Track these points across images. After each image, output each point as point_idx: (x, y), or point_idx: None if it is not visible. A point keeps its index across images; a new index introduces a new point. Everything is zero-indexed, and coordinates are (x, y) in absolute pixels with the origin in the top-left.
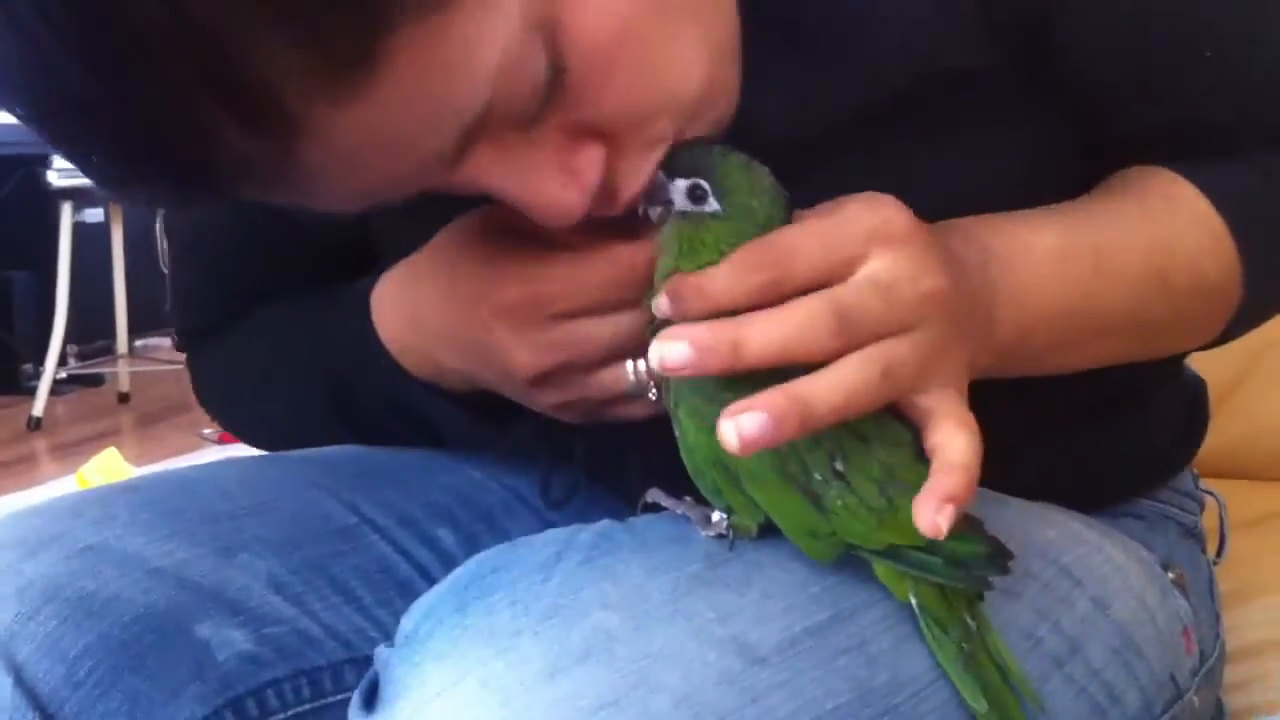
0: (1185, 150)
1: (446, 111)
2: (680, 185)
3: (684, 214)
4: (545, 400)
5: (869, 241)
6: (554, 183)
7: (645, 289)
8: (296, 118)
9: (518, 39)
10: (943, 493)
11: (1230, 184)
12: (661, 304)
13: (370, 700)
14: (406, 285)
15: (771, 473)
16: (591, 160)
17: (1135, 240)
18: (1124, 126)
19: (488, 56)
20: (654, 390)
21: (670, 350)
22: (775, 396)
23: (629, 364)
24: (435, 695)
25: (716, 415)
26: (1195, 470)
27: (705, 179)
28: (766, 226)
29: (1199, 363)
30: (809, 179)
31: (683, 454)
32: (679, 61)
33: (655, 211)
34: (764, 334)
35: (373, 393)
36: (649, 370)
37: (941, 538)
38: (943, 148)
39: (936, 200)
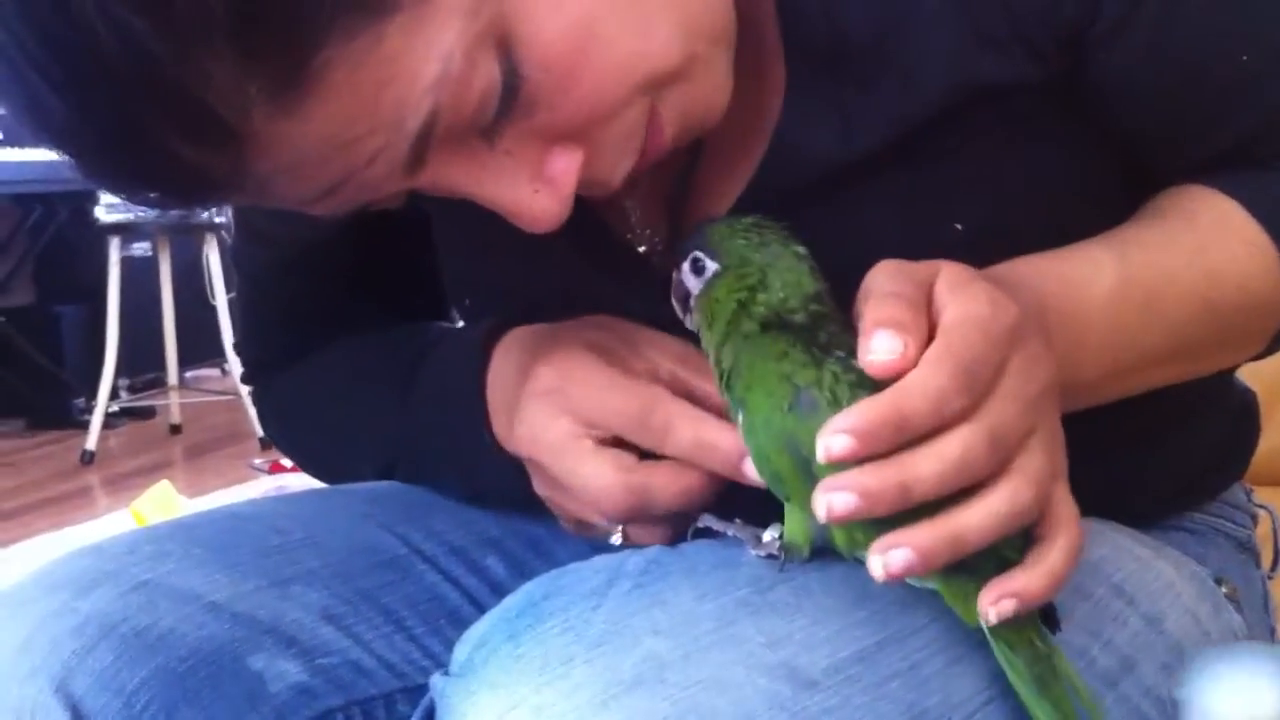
0: (1216, 161)
1: (387, 124)
2: (685, 268)
3: (699, 294)
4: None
5: (1012, 343)
6: (526, 190)
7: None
8: (239, 132)
9: (460, 51)
10: (1012, 588)
11: (1271, 200)
12: (840, 443)
13: None
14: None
15: None
16: (565, 168)
17: (1186, 273)
18: (1155, 137)
19: (425, 70)
20: (620, 538)
21: (838, 501)
22: (926, 535)
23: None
24: None
25: (789, 394)
26: (1248, 484)
27: (699, 250)
28: (762, 261)
29: (1247, 372)
30: (853, 197)
31: (747, 441)
32: (649, 49)
33: (689, 321)
34: (930, 473)
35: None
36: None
37: (991, 625)
38: (983, 160)
39: (977, 210)
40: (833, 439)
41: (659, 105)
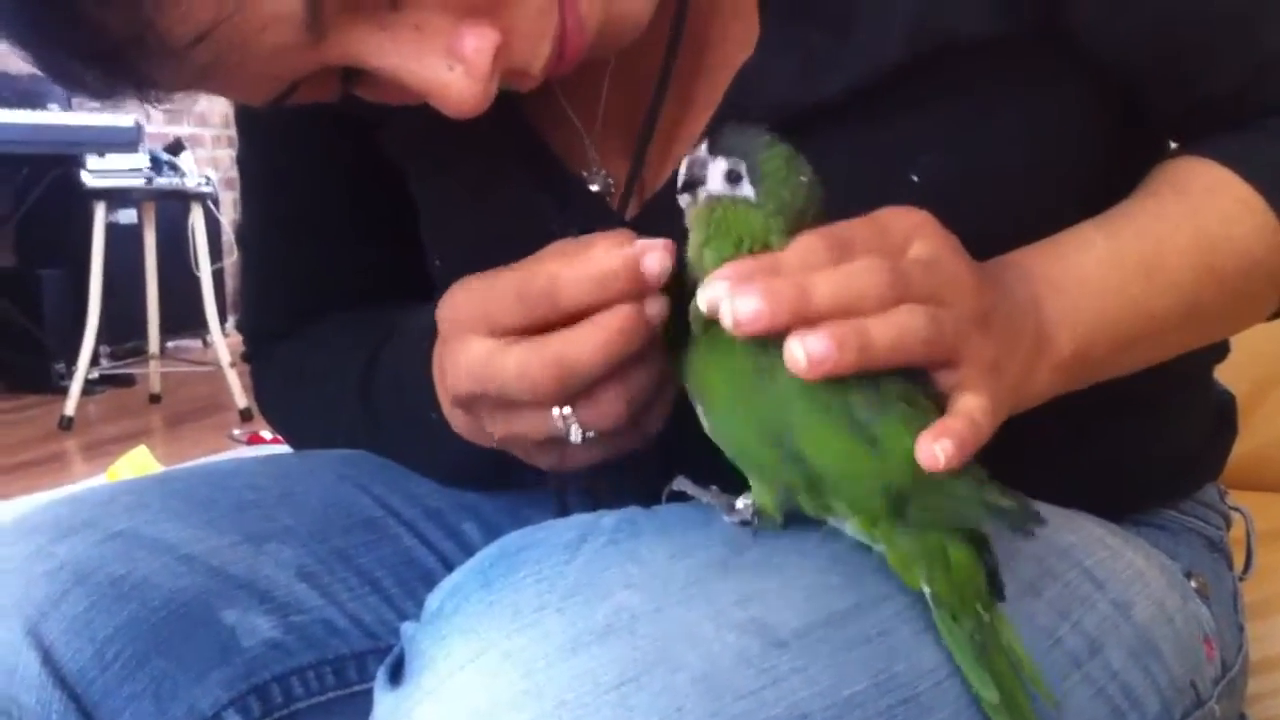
0: (1203, 116)
1: None
2: (720, 165)
3: (715, 197)
4: (475, 434)
5: (912, 234)
6: (440, 66)
7: (558, 323)
8: None
9: None
10: (941, 429)
11: (1263, 160)
12: (718, 289)
13: (396, 675)
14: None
15: (817, 418)
16: (479, 46)
17: (1181, 240)
18: (1137, 89)
19: None
20: (580, 434)
21: (742, 304)
22: (838, 325)
23: (555, 409)
24: (459, 668)
25: (755, 374)
26: (1222, 486)
27: (745, 161)
28: (798, 219)
29: (1227, 375)
30: (819, 142)
31: (714, 433)
32: None
33: (686, 199)
34: (829, 282)
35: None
36: (574, 414)
37: (939, 468)
38: (950, 113)
39: (946, 162)
40: (712, 285)
41: None
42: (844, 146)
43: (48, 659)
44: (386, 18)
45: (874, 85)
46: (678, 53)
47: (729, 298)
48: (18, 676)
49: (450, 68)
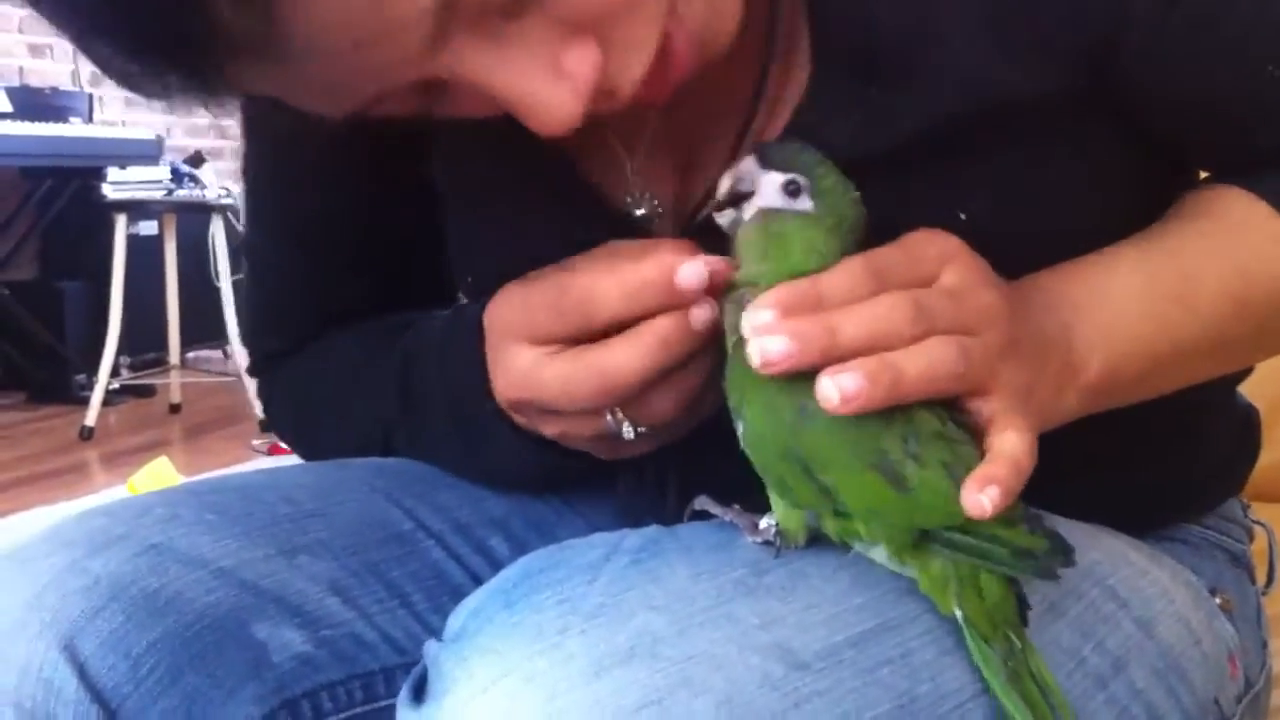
0: (1247, 162)
1: None
2: (775, 178)
3: (770, 211)
4: (535, 428)
5: (943, 262)
6: (545, 80)
7: (598, 332)
8: None
9: None
10: (985, 477)
11: None
12: (764, 317)
13: (419, 694)
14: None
15: (848, 455)
16: (583, 59)
17: (1212, 268)
18: (1183, 142)
19: None
20: (631, 430)
21: (770, 344)
22: (869, 360)
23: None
24: (482, 690)
25: (790, 405)
26: (1245, 499)
27: (804, 175)
28: (850, 234)
29: (1250, 389)
30: (870, 196)
31: (748, 450)
32: None
33: (726, 216)
34: (855, 321)
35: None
36: (624, 414)
37: (986, 516)
38: (1000, 161)
39: (994, 205)
40: (758, 314)
41: (679, 8)
42: (893, 190)
43: (84, 674)
44: (500, 31)
45: (925, 141)
46: (765, 86)
47: (756, 336)
48: (55, 691)
49: (552, 84)
